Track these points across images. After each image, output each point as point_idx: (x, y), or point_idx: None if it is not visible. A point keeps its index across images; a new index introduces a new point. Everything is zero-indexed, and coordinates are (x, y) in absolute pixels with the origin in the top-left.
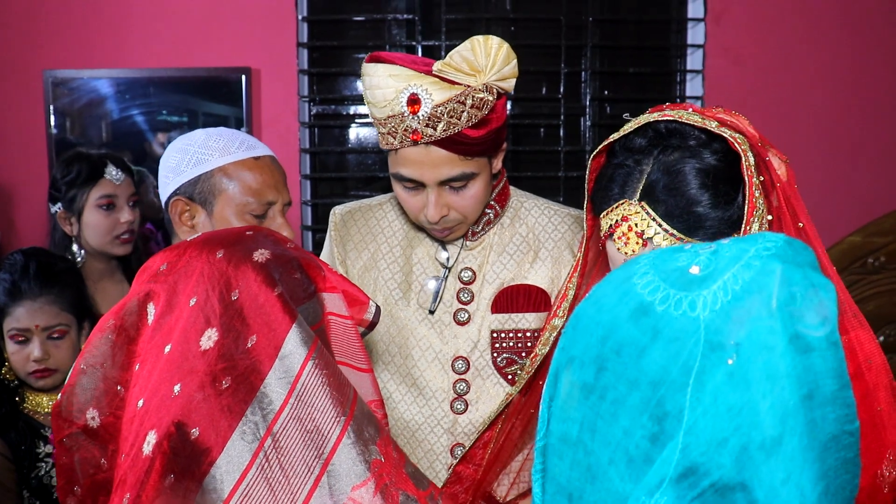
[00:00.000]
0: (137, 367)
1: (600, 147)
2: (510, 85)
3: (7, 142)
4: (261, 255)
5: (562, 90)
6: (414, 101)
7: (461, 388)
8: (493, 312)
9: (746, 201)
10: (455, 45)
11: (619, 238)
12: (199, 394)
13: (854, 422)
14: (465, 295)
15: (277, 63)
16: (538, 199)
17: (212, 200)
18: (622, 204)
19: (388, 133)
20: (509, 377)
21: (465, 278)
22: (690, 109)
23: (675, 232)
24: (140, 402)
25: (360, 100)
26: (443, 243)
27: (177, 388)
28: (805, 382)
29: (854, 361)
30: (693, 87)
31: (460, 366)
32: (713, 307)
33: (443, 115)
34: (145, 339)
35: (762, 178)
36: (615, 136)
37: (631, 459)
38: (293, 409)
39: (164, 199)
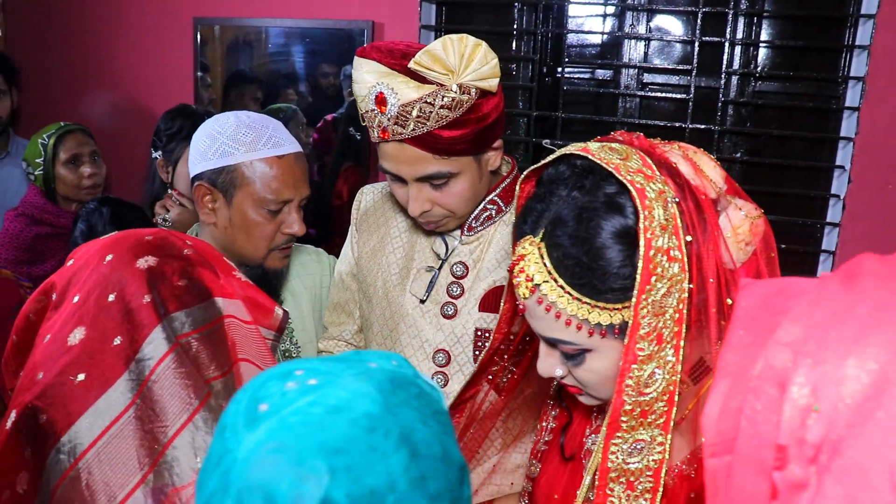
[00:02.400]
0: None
1: (527, 172)
2: (491, 85)
3: (160, 86)
4: (145, 262)
5: (695, 62)
6: (381, 100)
7: (438, 380)
8: (479, 310)
9: (641, 268)
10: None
11: (515, 277)
12: (55, 382)
13: None
14: (455, 289)
15: (400, 17)
16: None
17: (232, 192)
18: (526, 240)
19: (369, 126)
20: (490, 377)
21: (457, 272)
22: (636, 144)
23: (564, 284)
24: (18, 382)
25: None
26: (442, 235)
27: (40, 375)
28: None
29: None
30: (858, 64)
31: (441, 358)
32: (239, 457)
33: (410, 114)
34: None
35: (688, 239)
36: (540, 163)
37: None
38: (137, 410)
39: (190, 175)
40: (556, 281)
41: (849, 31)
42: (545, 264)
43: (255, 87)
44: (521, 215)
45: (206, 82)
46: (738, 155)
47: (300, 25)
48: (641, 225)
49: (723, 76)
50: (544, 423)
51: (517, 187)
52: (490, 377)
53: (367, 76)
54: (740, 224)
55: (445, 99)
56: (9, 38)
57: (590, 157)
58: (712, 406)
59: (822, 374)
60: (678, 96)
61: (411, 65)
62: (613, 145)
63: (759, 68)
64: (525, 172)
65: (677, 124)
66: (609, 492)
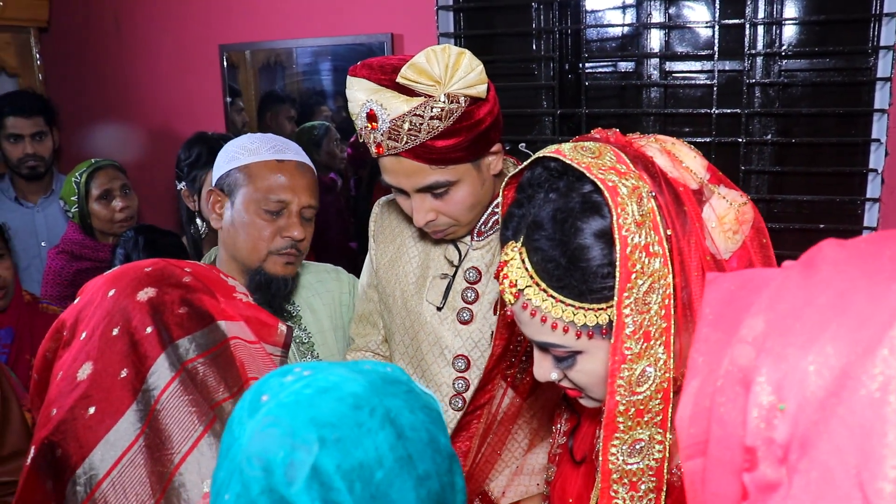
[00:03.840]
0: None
1: (508, 178)
2: (480, 91)
3: (192, 114)
4: (145, 294)
5: (716, 45)
6: (372, 116)
7: (459, 385)
8: (495, 314)
9: (619, 266)
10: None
11: (501, 283)
12: (67, 417)
13: None
14: (470, 294)
15: (419, 27)
16: None
17: (235, 193)
18: (508, 245)
19: (366, 143)
20: (509, 379)
21: (470, 278)
22: (612, 141)
23: (546, 288)
24: (38, 420)
25: (505, 62)
26: (454, 241)
27: (53, 411)
28: None
29: None
30: (888, 33)
31: (460, 364)
32: (243, 440)
33: (402, 128)
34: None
35: (668, 233)
36: (518, 168)
37: None
38: (147, 438)
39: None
40: (538, 285)
41: (875, 0)
42: (527, 269)
43: (289, 107)
44: (504, 221)
45: (238, 106)
46: (769, 137)
47: (323, 44)
48: (615, 223)
49: (746, 58)
50: (557, 426)
51: (500, 193)
52: (508, 378)
53: (357, 94)
54: (725, 213)
55: (434, 110)
56: (47, 80)
57: (562, 158)
58: (684, 408)
59: (785, 372)
60: (703, 82)
61: (398, 79)
62: (587, 144)
63: (783, 46)
64: (507, 178)
65: (703, 111)
66: (613, 493)
